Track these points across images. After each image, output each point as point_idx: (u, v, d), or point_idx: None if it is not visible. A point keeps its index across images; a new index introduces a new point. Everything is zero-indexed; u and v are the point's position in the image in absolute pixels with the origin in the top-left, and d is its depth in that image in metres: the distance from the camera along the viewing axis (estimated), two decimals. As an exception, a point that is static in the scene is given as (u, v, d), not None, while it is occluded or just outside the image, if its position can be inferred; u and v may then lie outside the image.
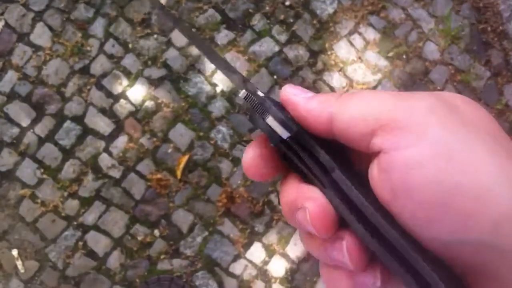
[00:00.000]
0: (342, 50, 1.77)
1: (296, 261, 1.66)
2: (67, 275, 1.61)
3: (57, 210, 1.63)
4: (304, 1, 1.78)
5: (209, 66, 1.71)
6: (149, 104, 1.69)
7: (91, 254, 1.62)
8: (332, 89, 1.75)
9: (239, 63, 1.73)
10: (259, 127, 0.25)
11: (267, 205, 1.66)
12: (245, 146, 1.66)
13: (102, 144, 1.67)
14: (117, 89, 1.69)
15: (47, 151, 1.65)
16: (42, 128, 1.66)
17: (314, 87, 1.74)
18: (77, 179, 1.65)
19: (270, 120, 0.25)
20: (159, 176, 1.65)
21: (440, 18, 1.81)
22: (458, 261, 0.23)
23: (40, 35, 1.70)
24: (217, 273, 1.64)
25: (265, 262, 1.66)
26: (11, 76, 1.67)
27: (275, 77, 1.73)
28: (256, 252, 1.66)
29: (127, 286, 1.62)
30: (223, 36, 1.74)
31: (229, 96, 1.71)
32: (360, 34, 1.78)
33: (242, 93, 0.26)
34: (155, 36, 1.72)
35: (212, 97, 1.71)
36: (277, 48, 1.75)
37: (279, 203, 1.62)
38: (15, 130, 1.65)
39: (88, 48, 1.70)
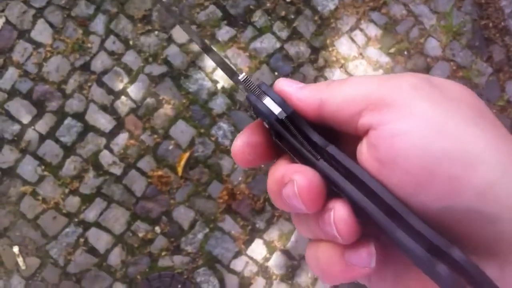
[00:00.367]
0: (343, 46, 1.77)
1: (297, 257, 1.66)
2: (68, 271, 1.61)
3: (58, 207, 1.63)
4: (305, -3, 1.77)
5: (210, 63, 1.71)
6: (150, 101, 1.69)
7: (92, 251, 1.62)
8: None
9: (240, 59, 1.73)
10: (256, 108, 0.27)
11: (268, 202, 1.66)
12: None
13: (103, 141, 1.67)
14: (118, 86, 1.69)
15: (48, 148, 1.65)
16: (43, 125, 1.66)
17: (315, 84, 1.73)
18: (78, 176, 1.65)
19: (268, 101, 0.26)
20: (160, 173, 1.65)
21: (441, 14, 1.80)
22: (447, 232, 0.23)
23: (41, 32, 1.70)
24: (218, 269, 1.64)
25: (266, 259, 1.65)
26: (12, 73, 1.67)
27: (276, 73, 1.72)
28: (257, 249, 1.66)
29: (128, 282, 1.62)
30: (224, 32, 1.74)
31: (230, 93, 1.70)
32: (361, 30, 1.78)
33: (242, 76, 0.27)
34: (156, 32, 1.72)
35: (213, 94, 1.71)
36: (278, 45, 1.74)
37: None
38: (16, 127, 1.65)
39: (89, 45, 1.70)
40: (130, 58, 1.70)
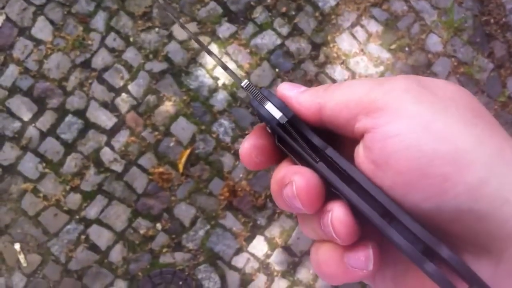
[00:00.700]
0: (344, 42, 1.76)
1: (298, 254, 1.66)
2: (69, 268, 1.61)
3: (59, 204, 1.63)
4: (306, -7, 1.77)
5: (210, 60, 1.71)
6: (150, 98, 1.69)
7: (93, 247, 1.63)
8: (334, 82, 1.74)
9: (241, 56, 1.72)
10: (258, 113, 0.28)
11: (269, 199, 1.66)
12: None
13: (104, 138, 1.66)
14: (119, 83, 1.69)
15: (48, 145, 1.65)
16: (43, 122, 1.66)
17: (316, 80, 1.73)
18: (79, 173, 1.65)
19: (269, 106, 0.27)
20: (161, 170, 1.65)
21: (443, 10, 1.80)
22: (440, 231, 0.23)
23: (41, 29, 1.69)
24: (220, 266, 1.64)
25: (268, 256, 1.65)
26: (12, 70, 1.67)
27: (277, 70, 1.72)
28: (259, 246, 1.66)
29: (129, 279, 1.62)
30: (224, 29, 1.74)
31: (231, 90, 1.70)
32: (362, 26, 1.77)
33: (244, 82, 0.28)
34: (157, 29, 1.72)
35: (213, 91, 1.70)
36: (279, 41, 1.74)
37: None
38: (17, 124, 1.65)
39: (90, 42, 1.70)
40: (131, 55, 1.70)
